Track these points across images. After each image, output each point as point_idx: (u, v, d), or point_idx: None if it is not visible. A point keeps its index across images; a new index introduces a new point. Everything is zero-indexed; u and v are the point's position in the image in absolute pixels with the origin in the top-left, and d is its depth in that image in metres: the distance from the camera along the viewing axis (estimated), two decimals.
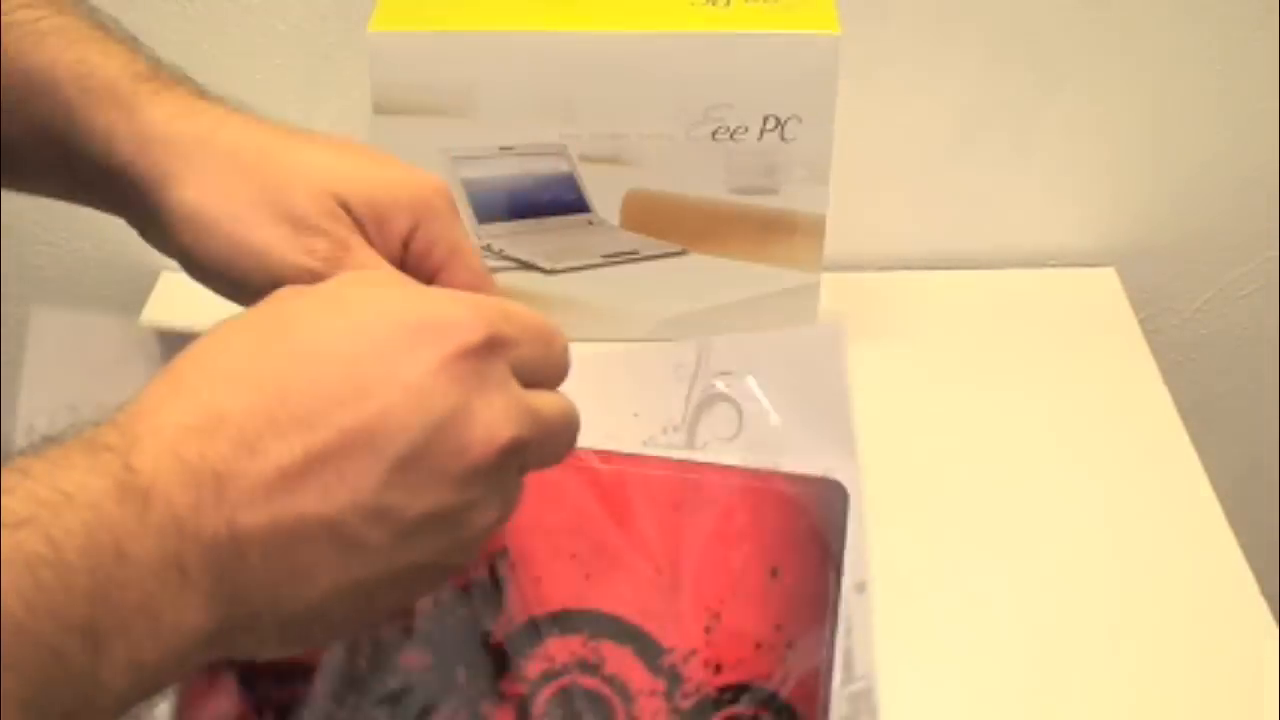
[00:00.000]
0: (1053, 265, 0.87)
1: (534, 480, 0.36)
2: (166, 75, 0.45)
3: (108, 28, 0.46)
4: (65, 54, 0.42)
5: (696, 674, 0.38)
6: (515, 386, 0.35)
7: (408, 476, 0.32)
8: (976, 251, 0.87)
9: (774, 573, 0.39)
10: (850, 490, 0.39)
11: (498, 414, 0.33)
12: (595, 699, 0.38)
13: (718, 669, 0.38)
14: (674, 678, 0.38)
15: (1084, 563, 0.66)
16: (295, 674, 0.39)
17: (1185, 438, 0.74)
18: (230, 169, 0.40)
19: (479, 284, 0.41)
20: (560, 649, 0.38)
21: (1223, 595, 0.65)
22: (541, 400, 0.35)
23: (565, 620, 0.39)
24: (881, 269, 0.86)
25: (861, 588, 0.40)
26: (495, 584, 0.39)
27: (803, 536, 0.39)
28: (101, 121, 0.41)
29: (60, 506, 0.29)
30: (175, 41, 0.78)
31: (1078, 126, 0.82)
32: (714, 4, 0.70)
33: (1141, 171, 0.84)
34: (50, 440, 0.31)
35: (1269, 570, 0.71)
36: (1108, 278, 0.86)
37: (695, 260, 0.77)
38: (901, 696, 0.60)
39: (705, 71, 0.69)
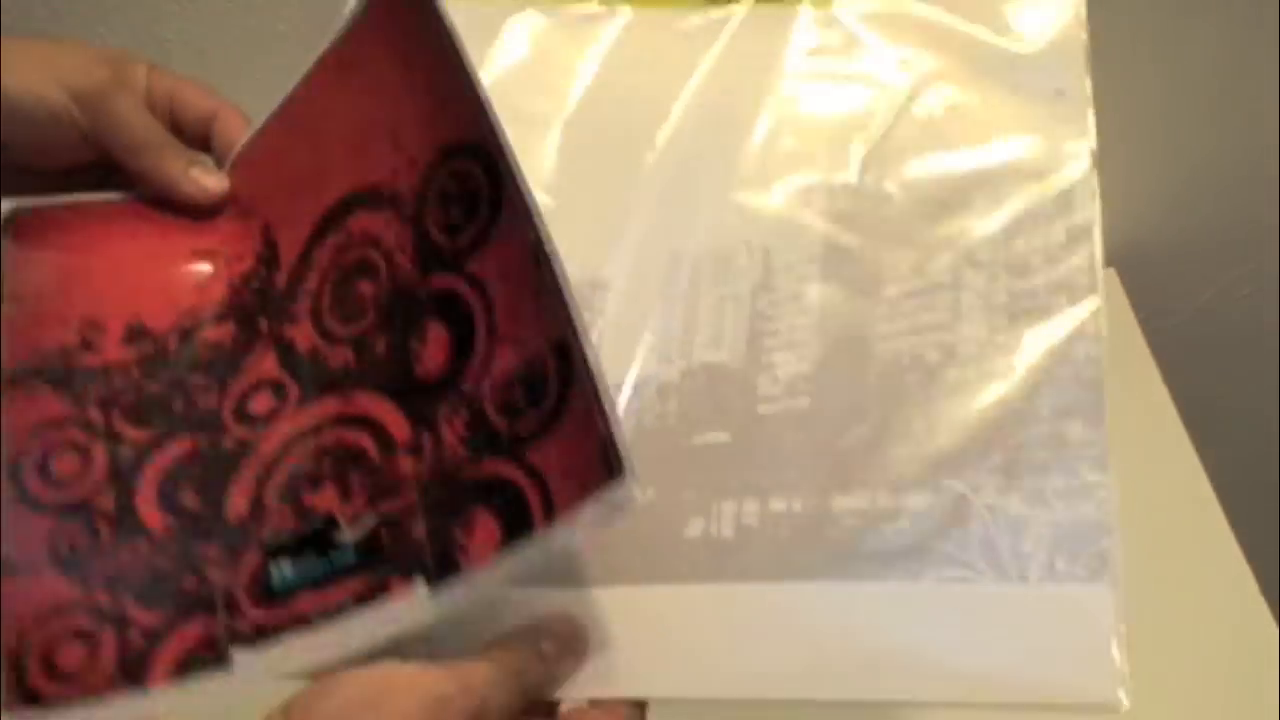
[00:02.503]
0: None
1: (259, 153, 0.46)
2: None
3: None
4: None
5: (404, 179, 0.43)
6: None
7: None
8: None
9: (407, 65, 0.43)
10: None
11: None
12: (358, 265, 0.43)
13: (413, 163, 0.43)
14: (394, 200, 0.43)
15: None
16: (112, 372, 0.43)
17: (1185, 438, 0.73)
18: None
19: (214, 101, 0.47)
20: (324, 252, 0.44)
21: (1223, 595, 0.65)
22: None
23: (319, 230, 0.44)
24: None
25: None
26: (269, 248, 0.45)
27: (419, 28, 0.43)
28: None
29: None
30: (175, 41, 0.78)
31: None
32: (714, 5, 0.70)
33: (1142, 171, 0.84)
34: None
35: (1269, 570, 0.71)
36: (1108, 278, 0.86)
37: None
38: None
39: None
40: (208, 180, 0.47)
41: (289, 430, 0.43)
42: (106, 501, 0.42)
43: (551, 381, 0.38)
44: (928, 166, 0.45)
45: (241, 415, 0.43)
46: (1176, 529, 0.68)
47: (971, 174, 0.45)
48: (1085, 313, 0.43)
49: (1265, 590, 0.65)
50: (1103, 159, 0.88)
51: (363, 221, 0.44)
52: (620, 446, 0.35)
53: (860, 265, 0.44)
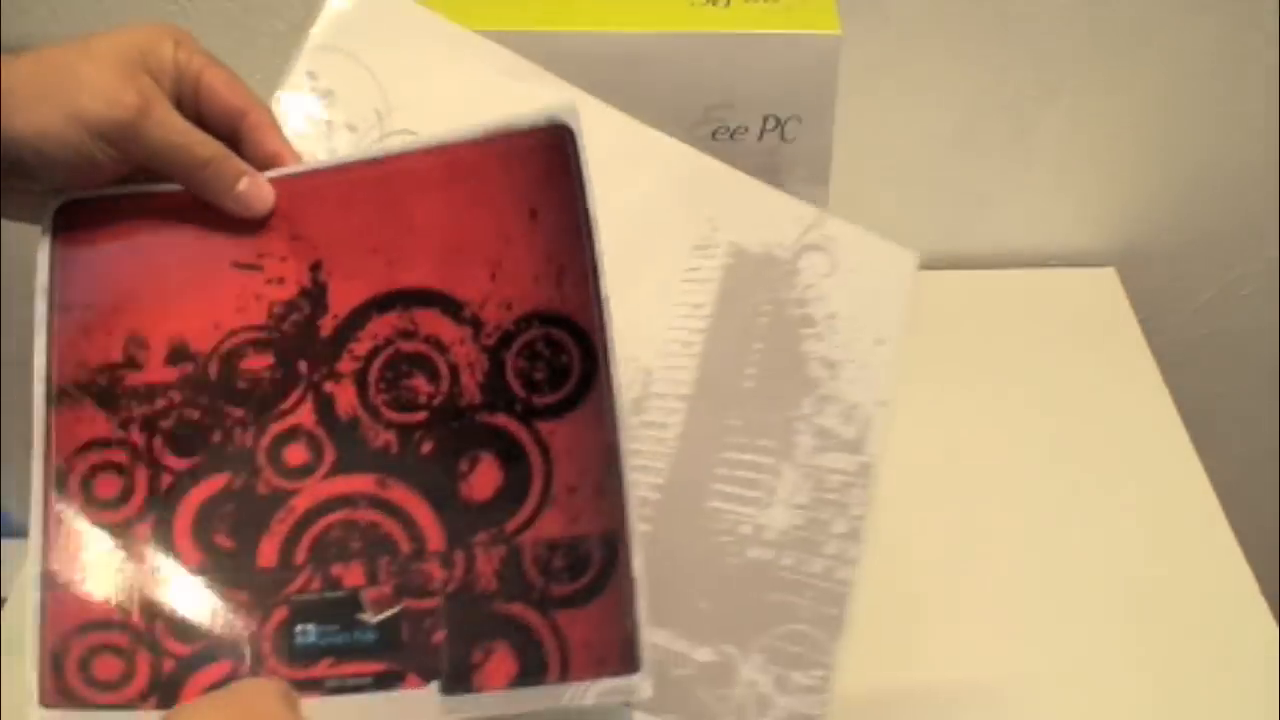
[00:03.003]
0: (1053, 265, 0.87)
1: (326, 191, 0.46)
2: None
3: None
4: None
5: (492, 315, 0.45)
6: None
7: None
8: (977, 251, 0.87)
9: (533, 214, 0.45)
10: (573, 127, 0.46)
11: None
12: (418, 358, 0.45)
13: (509, 306, 0.45)
14: (476, 323, 0.45)
15: (1084, 561, 0.66)
16: (155, 393, 0.45)
17: (1185, 438, 0.74)
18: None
19: (242, 97, 0.47)
20: (382, 326, 0.46)
21: (1223, 595, 0.65)
22: None
23: (380, 302, 0.46)
24: None
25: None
26: (318, 288, 0.46)
27: (548, 177, 0.45)
28: None
29: None
30: None
31: (1078, 127, 0.82)
32: (714, 4, 0.70)
33: (1142, 171, 0.84)
34: None
35: (1269, 570, 0.71)
36: (1108, 278, 0.86)
37: None
38: (903, 693, 0.60)
39: (705, 71, 0.69)
40: (253, 200, 0.47)
41: (323, 493, 0.44)
42: (145, 529, 0.44)
43: (593, 566, 0.41)
44: None
45: (276, 462, 0.45)
46: (1176, 529, 0.68)
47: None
48: None
49: (1265, 590, 0.65)
50: (1103, 159, 0.88)
51: (432, 320, 0.46)
52: (643, 648, 0.39)
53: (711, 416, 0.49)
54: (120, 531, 0.44)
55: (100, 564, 0.43)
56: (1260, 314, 0.91)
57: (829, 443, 0.49)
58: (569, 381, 0.43)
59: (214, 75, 0.47)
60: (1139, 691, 0.61)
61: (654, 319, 0.49)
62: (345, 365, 0.45)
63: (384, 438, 0.45)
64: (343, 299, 0.46)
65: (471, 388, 0.44)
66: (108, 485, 0.44)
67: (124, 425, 0.45)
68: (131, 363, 0.45)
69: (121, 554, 0.43)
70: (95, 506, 0.44)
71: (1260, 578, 0.65)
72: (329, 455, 0.45)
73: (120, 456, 0.44)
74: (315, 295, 0.46)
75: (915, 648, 0.62)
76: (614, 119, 0.53)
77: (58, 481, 0.44)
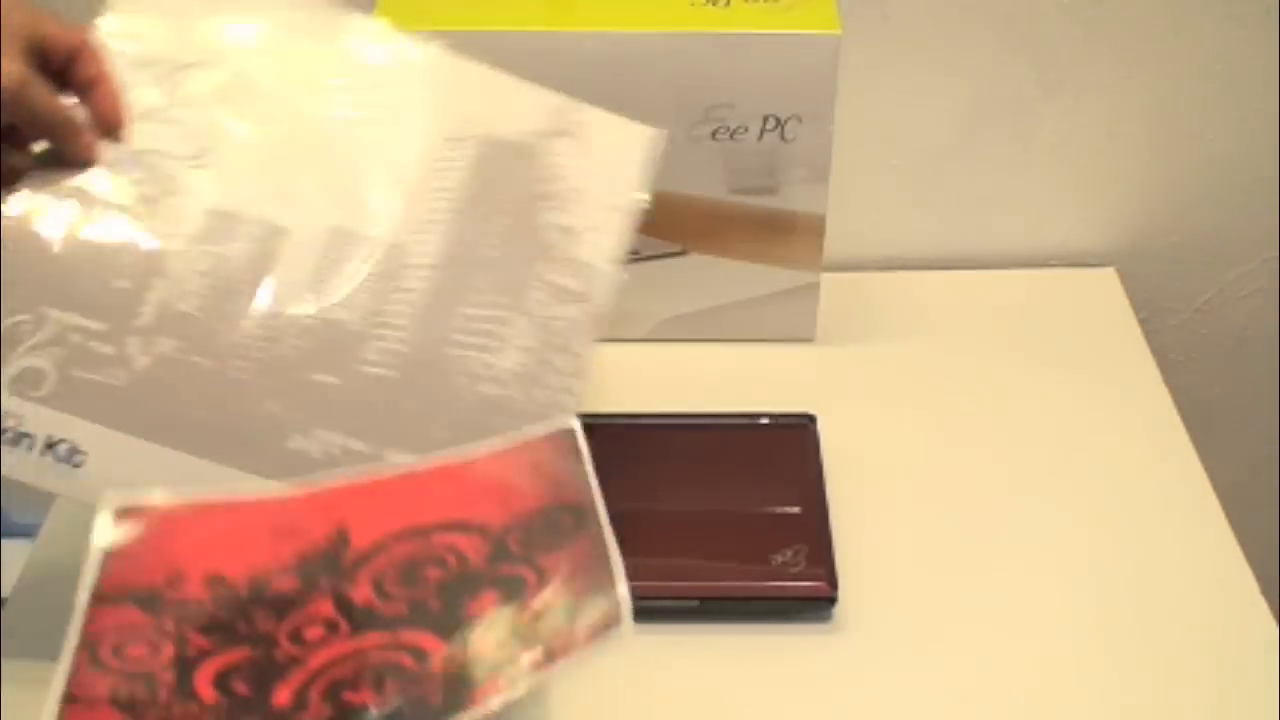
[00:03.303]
0: (1053, 265, 0.87)
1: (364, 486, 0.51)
2: None
3: None
4: None
5: (504, 521, 0.49)
6: None
7: None
8: (976, 251, 0.87)
9: (540, 474, 0.51)
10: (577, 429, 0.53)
11: None
12: (431, 559, 0.48)
13: (517, 514, 0.49)
14: (486, 530, 0.49)
15: (1084, 562, 0.66)
16: (189, 604, 0.47)
17: (1185, 438, 0.74)
18: None
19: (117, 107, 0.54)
20: (400, 549, 0.49)
21: (1223, 595, 0.65)
22: None
23: (400, 535, 0.49)
24: (881, 269, 0.86)
25: None
26: (343, 539, 0.49)
27: (563, 460, 0.51)
28: None
29: None
30: None
31: (1078, 127, 0.82)
32: (714, 4, 0.70)
33: (1142, 171, 0.84)
34: None
35: (1269, 570, 0.71)
36: (1108, 278, 0.86)
37: (695, 260, 0.77)
38: (902, 693, 0.60)
39: (705, 71, 0.69)
40: (95, 156, 0.54)
41: (336, 652, 0.47)
42: (168, 676, 0.45)
43: None
44: None
45: (295, 638, 0.47)
46: (1176, 529, 0.68)
47: None
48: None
49: (1265, 590, 0.65)
50: (1104, 158, 0.88)
51: (448, 539, 0.49)
52: None
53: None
54: (144, 677, 0.45)
55: (120, 692, 0.44)
56: (1260, 314, 0.91)
57: (560, 296, 0.57)
58: (562, 538, 0.48)
59: (51, 29, 0.53)
60: (1139, 691, 0.60)
61: (409, 204, 0.57)
62: (363, 575, 0.48)
63: (396, 608, 0.47)
64: (363, 538, 0.49)
65: (476, 561, 0.48)
66: (136, 650, 0.45)
67: (159, 619, 0.46)
68: (172, 586, 0.47)
69: (143, 689, 0.45)
70: (121, 660, 0.45)
71: (1260, 578, 0.65)
72: (344, 628, 0.47)
73: (151, 634, 0.46)
74: (339, 542, 0.49)
75: (914, 647, 0.62)
76: (390, 42, 0.61)
77: (88, 643, 0.45)
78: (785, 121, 0.71)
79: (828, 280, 0.78)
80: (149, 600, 0.47)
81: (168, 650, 0.46)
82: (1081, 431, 0.74)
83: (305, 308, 0.54)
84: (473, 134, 0.59)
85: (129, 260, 0.54)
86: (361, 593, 0.48)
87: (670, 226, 0.75)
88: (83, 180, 0.54)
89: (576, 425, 0.52)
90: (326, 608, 0.47)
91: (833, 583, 0.63)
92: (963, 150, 0.83)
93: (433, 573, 0.48)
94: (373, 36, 0.61)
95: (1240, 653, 0.62)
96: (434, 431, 0.53)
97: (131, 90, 0.56)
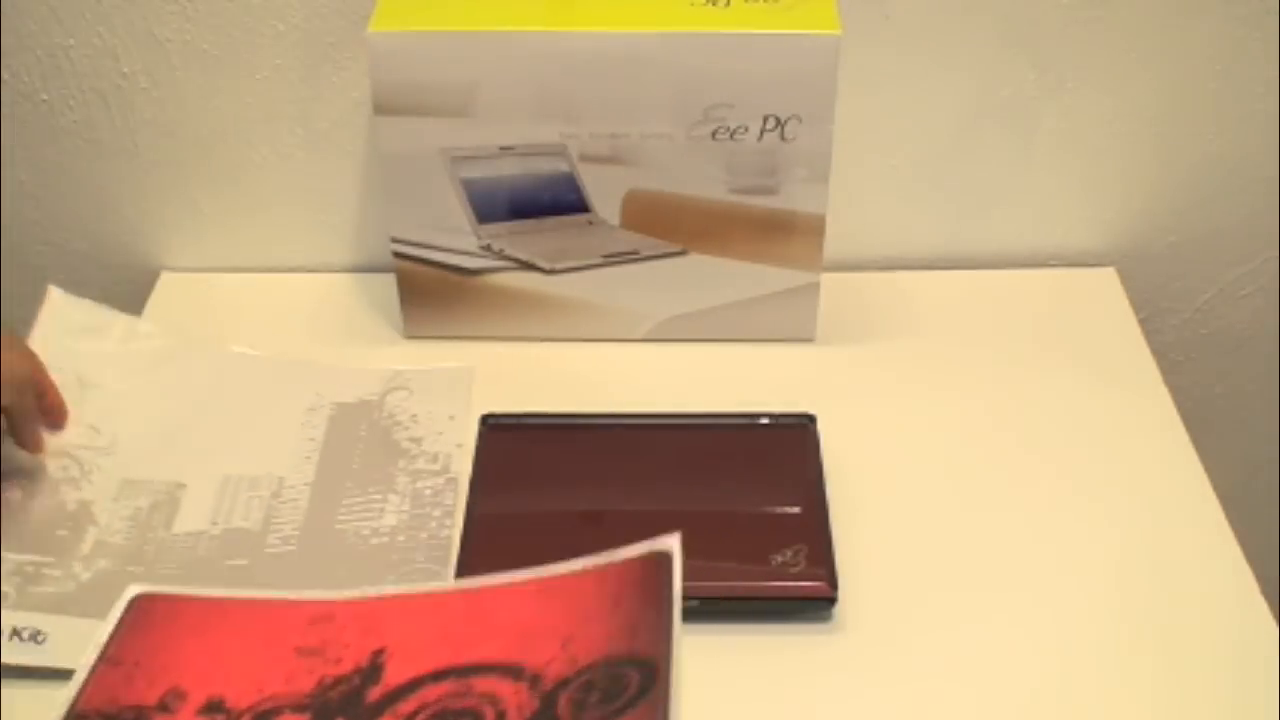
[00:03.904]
0: (1053, 265, 0.87)
1: (411, 604, 0.50)
2: None
3: None
4: None
5: (556, 671, 0.45)
6: None
7: None
8: (976, 251, 0.87)
9: (615, 602, 0.46)
10: (673, 552, 0.49)
11: None
12: (466, 712, 0.45)
13: (574, 660, 0.45)
14: (536, 679, 0.45)
15: (1084, 562, 0.66)
16: None
17: (1185, 438, 0.74)
18: None
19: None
20: (433, 692, 0.46)
21: (1223, 595, 0.65)
22: None
23: (438, 674, 0.46)
24: (881, 269, 0.86)
25: None
26: (375, 668, 0.47)
27: (644, 587, 0.47)
28: None
29: None
30: (175, 41, 0.78)
31: (1078, 127, 0.82)
32: (714, 4, 0.70)
33: (1142, 171, 0.84)
34: None
35: (1269, 570, 0.71)
36: (1108, 278, 0.86)
37: (695, 260, 0.77)
38: (902, 693, 0.60)
39: (705, 71, 0.69)
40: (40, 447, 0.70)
41: None
42: None
43: None
44: None
45: None
46: (1176, 529, 0.68)
47: None
48: None
49: (1265, 590, 0.65)
50: (1104, 158, 0.88)
51: (491, 684, 0.46)
52: None
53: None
54: None
55: None
56: (1260, 314, 0.91)
57: (421, 474, 0.70)
58: (620, 700, 0.43)
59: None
60: (1138, 691, 0.60)
61: (282, 449, 0.72)
62: (385, 719, 0.45)
63: None
64: (399, 674, 0.46)
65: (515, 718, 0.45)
66: None
67: None
68: (163, 708, 0.46)
69: None
70: None
71: (1260, 578, 0.65)
72: None
73: None
74: (370, 673, 0.46)
75: (915, 647, 0.62)
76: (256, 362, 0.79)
77: None
78: (785, 121, 0.71)
79: (828, 280, 0.78)
80: None
81: None
82: (1081, 432, 0.74)
83: (211, 529, 0.68)
84: (324, 404, 0.75)
85: (69, 514, 0.68)
86: None
87: (670, 226, 0.75)
88: (32, 461, 0.70)
89: (676, 548, 0.48)
90: None
91: (833, 583, 0.63)
92: (963, 150, 0.83)
93: None
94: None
95: (1240, 653, 0.62)
96: (338, 574, 0.64)
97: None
